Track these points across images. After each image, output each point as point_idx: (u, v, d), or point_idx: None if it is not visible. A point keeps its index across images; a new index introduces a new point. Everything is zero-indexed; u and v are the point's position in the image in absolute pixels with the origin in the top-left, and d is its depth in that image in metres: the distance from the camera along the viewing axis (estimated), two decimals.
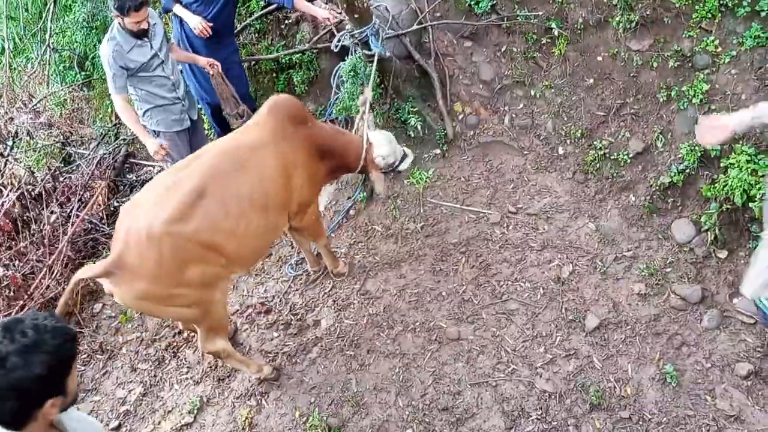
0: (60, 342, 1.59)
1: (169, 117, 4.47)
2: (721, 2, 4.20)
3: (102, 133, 5.98)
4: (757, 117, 2.82)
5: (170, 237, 2.99)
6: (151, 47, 4.19)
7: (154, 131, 4.46)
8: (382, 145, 4.10)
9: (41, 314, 1.62)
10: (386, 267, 4.39)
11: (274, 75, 5.68)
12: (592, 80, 4.76)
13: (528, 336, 3.79)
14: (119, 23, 4.06)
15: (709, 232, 3.99)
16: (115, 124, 6.01)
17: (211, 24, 4.61)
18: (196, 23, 4.57)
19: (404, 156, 4.40)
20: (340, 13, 4.75)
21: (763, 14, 4.08)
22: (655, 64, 4.48)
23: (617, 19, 4.60)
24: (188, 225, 3.04)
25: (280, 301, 4.33)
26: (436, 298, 4.11)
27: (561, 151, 4.77)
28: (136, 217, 3.02)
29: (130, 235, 2.98)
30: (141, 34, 4.11)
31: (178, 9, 4.66)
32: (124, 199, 5.48)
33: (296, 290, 4.37)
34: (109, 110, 6.04)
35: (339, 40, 5.05)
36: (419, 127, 4.95)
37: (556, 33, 4.85)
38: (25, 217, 4.86)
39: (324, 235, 4.12)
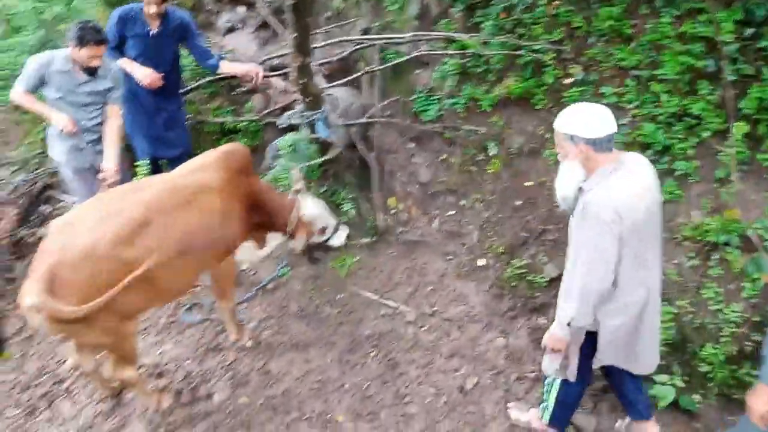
0: None
1: (66, 148, 4.37)
2: (644, 155, 4.58)
3: (26, 159, 5.71)
4: None
5: (111, 260, 2.96)
6: (79, 85, 4.15)
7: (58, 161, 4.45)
8: (313, 208, 4.17)
9: None
10: (293, 348, 4.29)
11: (216, 138, 5.66)
12: (519, 202, 5.01)
13: None
14: (71, 54, 4.04)
15: None
16: (41, 153, 5.76)
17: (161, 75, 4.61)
18: (146, 74, 4.55)
19: (337, 230, 4.44)
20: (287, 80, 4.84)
21: (678, 173, 4.48)
22: None
23: (549, 151, 4.93)
24: (130, 252, 3.02)
25: (175, 366, 4.12)
26: (338, 390, 4.02)
27: (482, 262, 4.92)
28: (74, 236, 2.96)
29: (66, 252, 2.89)
30: (88, 71, 4.09)
31: (124, 62, 4.62)
32: (33, 230, 5.17)
33: (195, 357, 4.18)
34: (39, 137, 5.79)
35: (288, 118, 5.17)
36: (352, 214, 5.02)
37: (492, 153, 5.13)
38: None
39: (230, 297, 4.05)
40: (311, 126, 5.00)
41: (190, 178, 3.53)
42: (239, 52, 6.20)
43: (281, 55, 5.85)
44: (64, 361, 4.09)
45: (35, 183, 5.53)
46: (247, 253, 4.19)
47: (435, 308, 4.63)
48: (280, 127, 5.42)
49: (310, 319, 4.49)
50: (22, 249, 4.99)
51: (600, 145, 2.79)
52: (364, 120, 5.42)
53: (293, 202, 4.11)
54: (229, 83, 5.89)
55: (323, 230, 4.28)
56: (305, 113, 4.93)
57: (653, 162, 4.49)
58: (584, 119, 2.81)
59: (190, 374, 4.06)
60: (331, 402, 3.94)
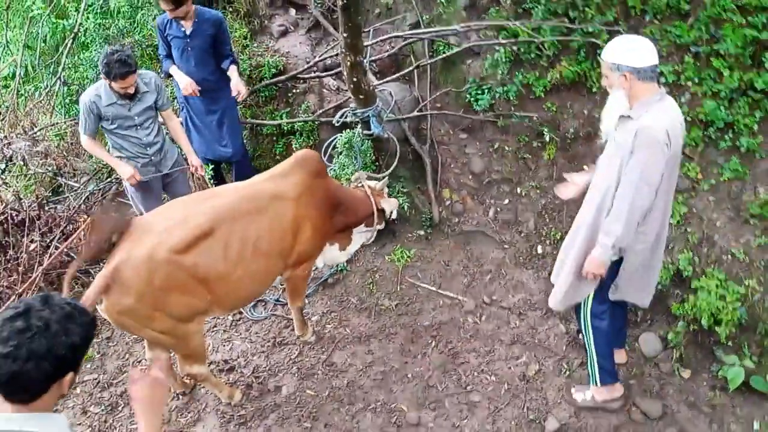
0: (89, 319, 1.78)
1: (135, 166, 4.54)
2: (705, 133, 4.46)
3: (95, 169, 6.03)
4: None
5: (169, 264, 3.13)
6: (129, 110, 4.33)
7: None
8: (374, 183, 4.42)
9: (63, 297, 1.77)
10: (356, 341, 4.40)
11: (274, 139, 5.83)
12: None
13: (487, 431, 3.77)
14: (107, 83, 4.22)
15: (675, 350, 4.06)
16: None
17: (198, 88, 4.85)
18: (186, 84, 4.82)
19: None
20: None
21: (742, 150, 4.33)
22: None
23: None
24: (189, 258, 3.20)
25: (244, 361, 4.29)
26: (401, 380, 4.10)
27: (540, 250, 4.89)
28: (143, 238, 3.17)
29: (132, 253, 3.11)
30: (127, 97, 4.29)
31: (173, 70, 4.92)
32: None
33: (262, 352, 4.34)
34: (107, 149, 6.11)
35: (342, 116, 5.27)
36: (406, 207, 5.08)
37: (547, 138, 5.08)
38: (3, 242, 4.83)
39: (301, 297, 4.18)
40: (365, 123, 5.08)
41: (264, 187, 3.64)
42: (293, 55, 6.34)
43: (333, 55, 5.96)
44: (140, 361, 4.33)
45: (108, 191, 5.84)
46: (329, 256, 4.30)
47: (494, 297, 4.65)
48: (336, 125, 5.53)
49: (370, 312, 4.59)
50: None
51: (644, 74, 2.97)
52: (415, 114, 5.47)
53: (362, 189, 4.29)
54: (286, 85, 6.05)
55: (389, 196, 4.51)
56: (358, 110, 5.01)
57: (716, 140, 4.41)
58: (629, 49, 3.01)
59: (259, 368, 4.22)
60: (395, 392, 4.02)
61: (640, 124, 2.96)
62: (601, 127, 3.24)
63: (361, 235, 4.44)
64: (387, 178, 4.62)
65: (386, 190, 4.53)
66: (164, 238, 3.17)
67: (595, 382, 3.69)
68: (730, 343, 3.86)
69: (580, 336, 4.17)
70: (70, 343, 1.67)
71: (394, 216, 4.69)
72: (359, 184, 4.38)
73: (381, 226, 4.49)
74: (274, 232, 3.52)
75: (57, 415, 1.76)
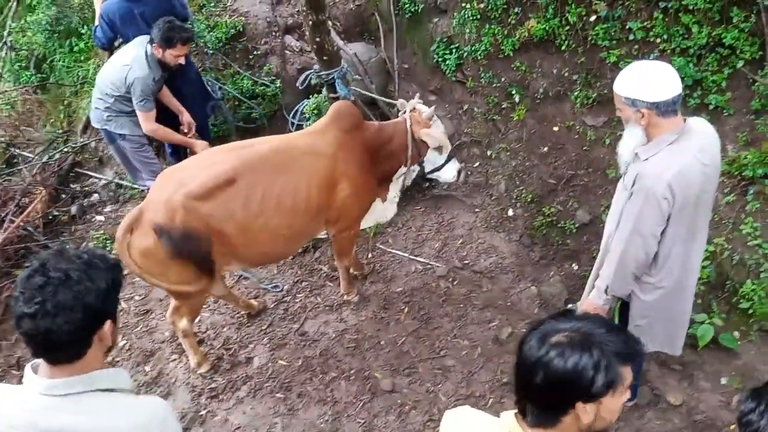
0: (112, 263, 1.65)
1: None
2: None
3: (50, 139, 5.78)
4: None
5: (184, 210, 3.09)
6: (158, 79, 4.29)
7: (119, 134, 4.49)
8: (425, 107, 3.90)
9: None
10: (327, 309, 4.34)
11: (237, 104, 5.63)
12: (546, 148, 4.91)
13: (462, 395, 3.77)
14: (157, 54, 4.15)
15: None
16: (66, 131, 5.82)
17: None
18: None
19: (449, 160, 3.97)
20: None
21: (711, 107, 4.32)
22: (607, 141, 4.66)
23: (576, 93, 4.78)
24: (205, 205, 3.16)
25: (214, 333, 4.20)
26: (375, 347, 4.06)
27: (511, 213, 4.87)
28: (169, 183, 3.21)
29: (155, 196, 3.18)
30: (173, 69, 4.25)
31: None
32: (65, 209, 5.27)
33: (232, 324, 4.26)
34: (61, 116, 5.85)
35: (306, 79, 5.09)
36: None
37: (516, 99, 5.01)
38: None
39: (348, 256, 4.10)
40: (330, 85, 4.92)
41: (298, 142, 3.54)
42: (252, 14, 6.08)
43: (294, 13, 5.74)
44: None
45: (64, 161, 5.61)
46: (378, 212, 4.12)
47: (465, 261, 4.62)
48: (300, 88, 5.35)
49: (341, 280, 4.51)
50: (57, 228, 5.09)
51: (664, 108, 2.50)
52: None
53: (399, 120, 3.89)
54: (246, 47, 5.82)
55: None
56: (322, 72, 4.84)
57: (684, 98, 4.37)
58: (646, 80, 2.51)
59: (229, 340, 4.15)
60: (368, 359, 3.99)
61: (642, 169, 2.60)
62: (618, 162, 2.88)
63: (400, 179, 4.01)
64: (435, 107, 4.05)
65: (437, 123, 3.93)
66: (185, 183, 3.16)
67: None
68: (699, 302, 3.91)
69: None
70: (97, 289, 1.56)
71: (447, 179, 4.05)
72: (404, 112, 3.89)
73: (412, 169, 3.88)
74: (301, 189, 3.39)
75: (116, 369, 1.70)
